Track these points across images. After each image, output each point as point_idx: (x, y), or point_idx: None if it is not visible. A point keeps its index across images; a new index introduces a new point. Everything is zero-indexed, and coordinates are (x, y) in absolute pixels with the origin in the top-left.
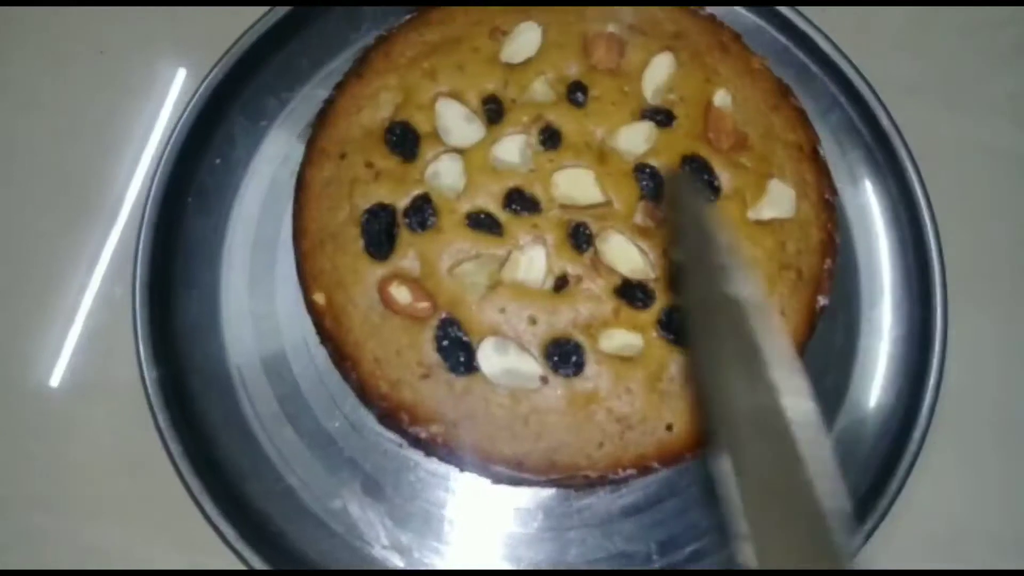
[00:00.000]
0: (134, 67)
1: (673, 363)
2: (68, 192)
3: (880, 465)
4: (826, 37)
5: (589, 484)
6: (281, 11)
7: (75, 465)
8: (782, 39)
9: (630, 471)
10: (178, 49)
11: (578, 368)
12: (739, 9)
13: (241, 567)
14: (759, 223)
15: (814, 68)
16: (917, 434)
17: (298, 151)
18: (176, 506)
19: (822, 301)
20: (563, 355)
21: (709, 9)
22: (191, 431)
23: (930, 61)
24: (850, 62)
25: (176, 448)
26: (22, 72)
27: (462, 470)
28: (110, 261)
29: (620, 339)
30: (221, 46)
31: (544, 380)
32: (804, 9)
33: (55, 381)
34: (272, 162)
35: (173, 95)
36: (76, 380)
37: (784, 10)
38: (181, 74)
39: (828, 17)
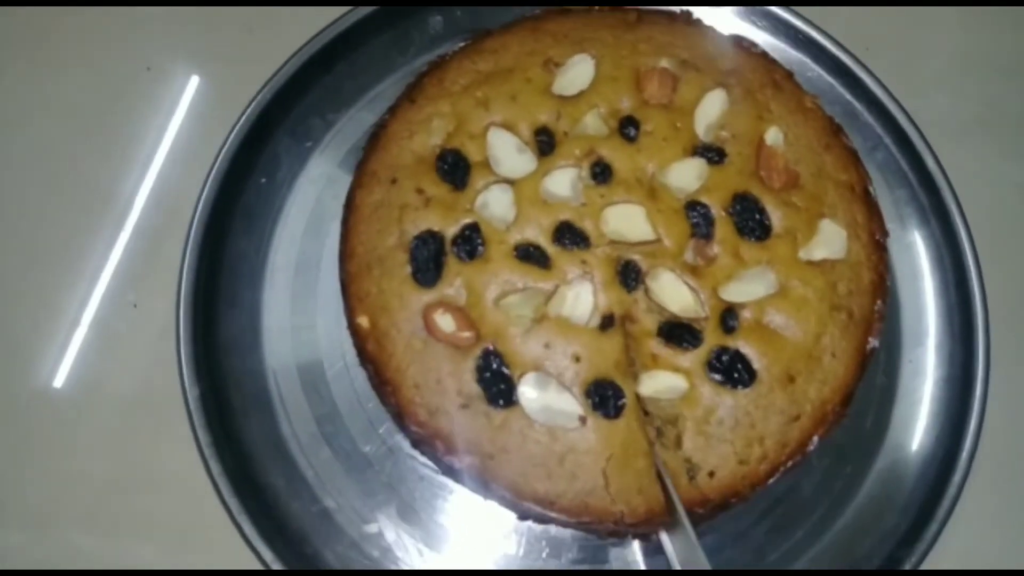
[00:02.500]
0: (175, 81)
1: (721, 406)
2: (86, 196)
3: (920, 508)
4: (873, 76)
5: (614, 534)
6: (331, 33)
7: (91, 477)
8: (828, 77)
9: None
10: (220, 66)
11: (618, 411)
12: (785, 46)
13: None
14: (810, 263)
15: (860, 107)
16: (957, 478)
17: (342, 173)
18: (209, 521)
19: (872, 343)
20: (603, 397)
21: (762, 45)
22: (230, 449)
23: (974, 102)
24: (896, 101)
25: (216, 467)
26: (71, 85)
27: (486, 499)
28: (118, 263)
29: (663, 381)
30: (265, 66)
31: (583, 420)
32: (850, 45)
33: (59, 382)
34: (316, 183)
35: (204, 108)
36: (78, 383)
37: (831, 47)
38: (216, 88)
39: (873, 55)
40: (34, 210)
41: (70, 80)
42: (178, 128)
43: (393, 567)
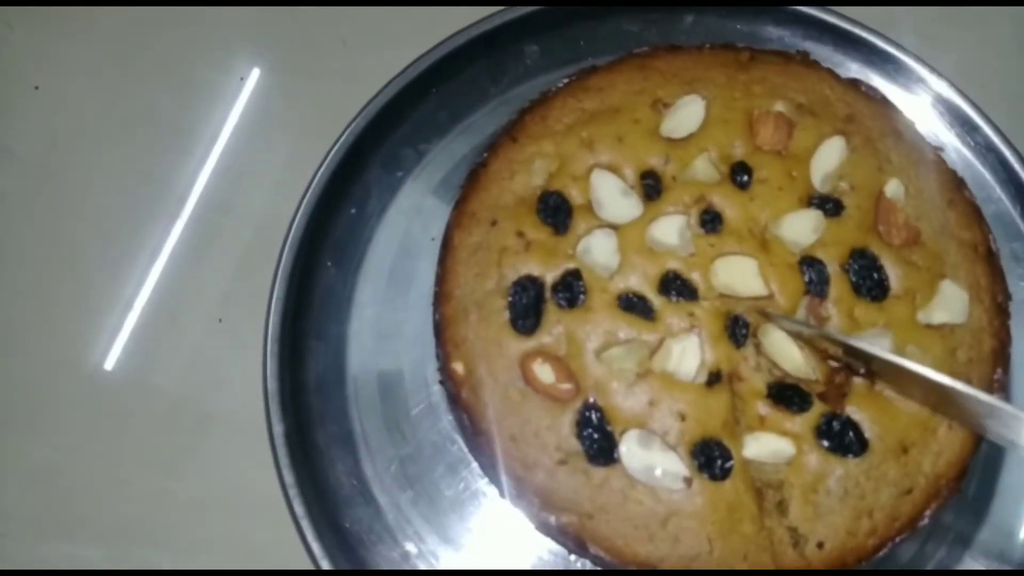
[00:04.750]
0: (268, 94)
1: (831, 476)
2: (174, 203)
3: None
4: (992, 124)
5: None
6: (426, 62)
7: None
8: (941, 124)
9: None
10: (314, 80)
11: (725, 473)
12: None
13: None
14: (929, 327)
15: (972, 157)
16: None
17: (431, 203)
18: (286, 550)
19: None
20: (709, 458)
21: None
22: (314, 489)
23: None
24: (1015, 150)
25: (300, 509)
26: (165, 93)
27: (571, 553)
28: (210, 278)
29: (769, 444)
30: (358, 80)
31: (688, 482)
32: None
33: (109, 365)
34: (406, 214)
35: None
36: (126, 370)
37: (951, 93)
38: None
39: (987, 98)
40: (124, 215)
41: (163, 88)
42: (269, 141)
43: None
